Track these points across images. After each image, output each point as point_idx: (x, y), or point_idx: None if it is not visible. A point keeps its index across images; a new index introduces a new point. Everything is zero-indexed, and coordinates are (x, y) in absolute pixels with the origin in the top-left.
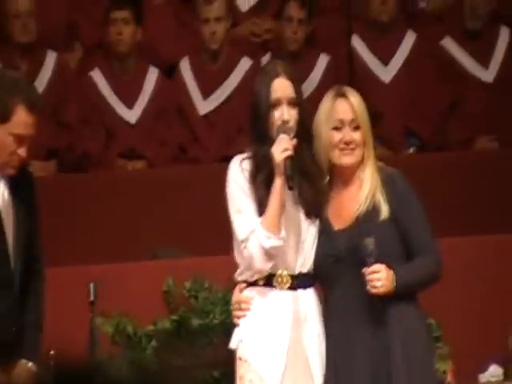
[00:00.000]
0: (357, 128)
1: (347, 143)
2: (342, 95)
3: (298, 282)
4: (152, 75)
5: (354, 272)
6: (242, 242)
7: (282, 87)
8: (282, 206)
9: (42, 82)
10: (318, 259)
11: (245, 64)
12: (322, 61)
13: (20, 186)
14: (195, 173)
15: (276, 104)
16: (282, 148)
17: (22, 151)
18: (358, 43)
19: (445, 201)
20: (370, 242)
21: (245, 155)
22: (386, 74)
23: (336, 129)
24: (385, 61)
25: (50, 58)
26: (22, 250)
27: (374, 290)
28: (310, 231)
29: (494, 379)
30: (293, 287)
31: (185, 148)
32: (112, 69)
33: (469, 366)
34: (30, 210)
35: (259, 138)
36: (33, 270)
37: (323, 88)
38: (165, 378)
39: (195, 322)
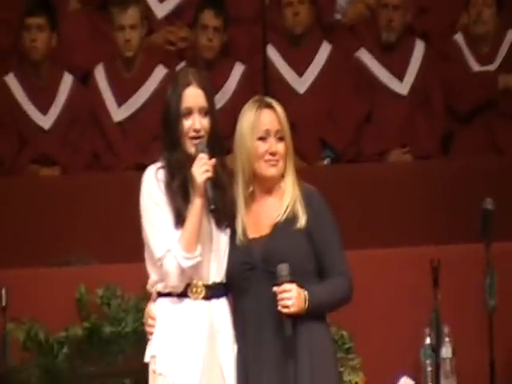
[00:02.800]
0: (281, 139)
1: (273, 154)
2: (267, 106)
3: (212, 291)
4: (66, 81)
5: (268, 281)
6: (159, 259)
7: (193, 96)
8: (200, 226)
9: None
10: (232, 266)
11: (159, 72)
12: (237, 70)
13: None
14: (109, 180)
15: (187, 113)
16: (202, 169)
17: None
18: (273, 53)
19: (357, 212)
20: (283, 268)
21: (159, 164)
22: (300, 84)
23: (261, 139)
24: (300, 71)
25: None
26: None
27: (284, 310)
28: (221, 240)
29: None
30: (207, 297)
31: (98, 155)
32: (26, 74)
33: (380, 377)
34: None
35: (171, 145)
36: None
37: (238, 97)
38: None
39: (107, 329)
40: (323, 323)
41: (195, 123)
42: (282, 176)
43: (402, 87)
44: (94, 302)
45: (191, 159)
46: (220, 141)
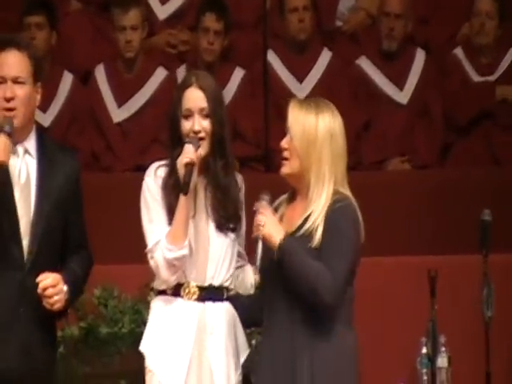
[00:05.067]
0: (291, 138)
1: (281, 149)
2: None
3: (207, 294)
4: (67, 80)
5: (279, 285)
6: (148, 251)
7: (193, 98)
8: (187, 218)
9: None
10: (262, 257)
11: (160, 74)
12: (238, 74)
13: (55, 168)
14: (107, 181)
15: (187, 114)
16: (184, 157)
17: (7, 92)
18: (273, 59)
19: None
20: (266, 197)
21: (162, 162)
22: (300, 91)
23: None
24: (300, 78)
25: None
26: (41, 233)
27: (255, 230)
28: (220, 244)
29: None
30: (200, 299)
31: (98, 155)
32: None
33: None
34: (63, 195)
35: (173, 143)
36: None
37: (238, 101)
38: None
39: (104, 330)
40: (333, 334)
41: (194, 125)
42: (305, 182)
43: (402, 96)
44: (90, 302)
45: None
46: (223, 143)
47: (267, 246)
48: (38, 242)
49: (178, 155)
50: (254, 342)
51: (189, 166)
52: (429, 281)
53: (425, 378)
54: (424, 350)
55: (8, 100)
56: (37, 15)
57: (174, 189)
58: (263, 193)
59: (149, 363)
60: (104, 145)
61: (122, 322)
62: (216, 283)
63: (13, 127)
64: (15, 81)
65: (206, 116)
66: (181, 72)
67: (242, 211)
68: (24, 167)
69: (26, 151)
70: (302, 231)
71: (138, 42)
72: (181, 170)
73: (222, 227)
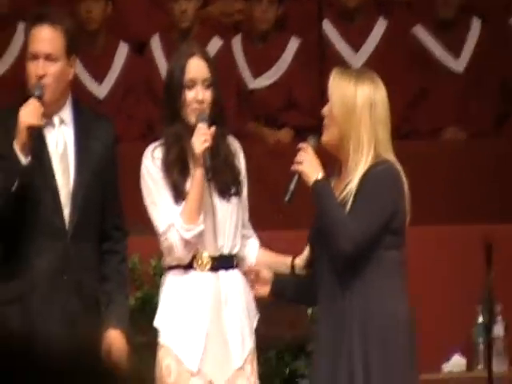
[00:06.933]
0: (331, 106)
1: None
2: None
3: (219, 263)
4: (122, 51)
5: (327, 257)
6: (162, 234)
7: (196, 67)
8: (201, 194)
9: (12, 54)
10: (311, 232)
11: (215, 43)
12: (293, 44)
13: (92, 137)
14: None
15: (190, 84)
16: (201, 139)
17: (39, 69)
18: (328, 28)
19: (410, 189)
20: (313, 138)
21: (157, 143)
22: (356, 60)
23: None
24: (355, 47)
25: (21, 30)
26: (82, 202)
27: (294, 164)
28: (225, 210)
29: (456, 370)
30: (214, 268)
31: (153, 126)
32: (82, 43)
33: (433, 355)
34: (101, 163)
35: (171, 117)
36: (112, 232)
37: (293, 71)
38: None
39: None
40: (379, 301)
41: (198, 94)
42: (345, 151)
43: (458, 65)
44: (147, 272)
45: (192, 130)
46: (222, 112)
47: (317, 218)
48: (78, 212)
49: (175, 131)
50: (309, 311)
51: (208, 149)
52: (485, 249)
53: (481, 347)
54: (480, 319)
55: (40, 77)
56: None
57: (175, 165)
58: (311, 136)
59: (164, 338)
60: (159, 114)
61: None
62: (226, 252)
63: (43, 91)
64: (47, 58)
65: (208, 86)
66: (236, 41)
67: (241, 176)
68: (61, 137)
69: (62, 121)
70: (339, 200)
71: (193, 12)
72: (199, 155)
73: (224, 194)
